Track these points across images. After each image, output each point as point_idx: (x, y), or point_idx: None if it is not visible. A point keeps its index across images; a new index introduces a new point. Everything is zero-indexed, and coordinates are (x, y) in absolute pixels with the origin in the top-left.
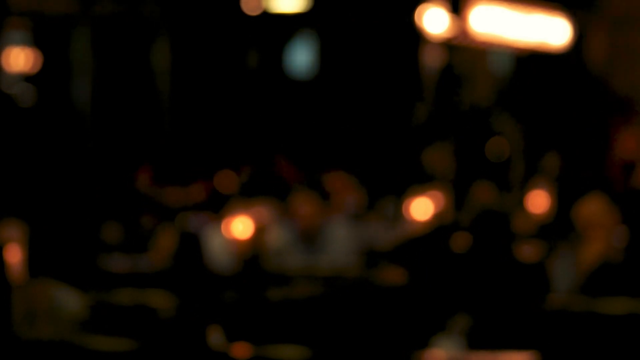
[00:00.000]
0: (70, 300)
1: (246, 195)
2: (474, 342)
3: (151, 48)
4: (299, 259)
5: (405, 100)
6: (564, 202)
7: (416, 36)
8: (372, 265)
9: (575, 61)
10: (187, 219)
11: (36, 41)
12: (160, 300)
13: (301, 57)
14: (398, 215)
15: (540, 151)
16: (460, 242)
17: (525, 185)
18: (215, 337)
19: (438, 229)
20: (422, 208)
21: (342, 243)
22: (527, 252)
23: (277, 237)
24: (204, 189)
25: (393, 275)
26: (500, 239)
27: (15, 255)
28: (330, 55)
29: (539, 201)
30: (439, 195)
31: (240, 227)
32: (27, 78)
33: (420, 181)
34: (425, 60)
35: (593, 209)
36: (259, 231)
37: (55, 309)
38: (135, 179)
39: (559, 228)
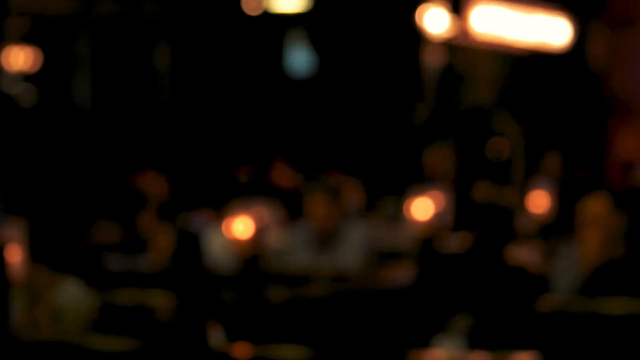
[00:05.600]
0: (71, 301)
1: (246, 195)
2: (475, 342)
3: (151, 48)
4: (311, 260)
5: (406, 100)
6: (564, 202)
7: (416, 36)
8: (372, 265)
9: (575, 61)
10: (187, 219)
11: (36, 40)
12: (160, 300)
13: (301, 57)
14: (398, 215)
15: (541, 151)
16: (461, 241)
17: (525, 185)
18: (215, 337)
19: (438, 229)
20: (422, 208)
21: (358, 245)
22: (527, 252)
23: (277, 237)
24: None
25: (393, 275)
26: (501, 239)
27: (15, 255)
28: (330, 55)
29: (539, 201)
30: (439, 195)
31: (241, 227)
32: (27, 78)
33: (420, 181)
34: (426, 60)
35: (595, 209)
36: (259, 231)
37: (54, 310)
38: (136, 179)
39: (559, 228)
